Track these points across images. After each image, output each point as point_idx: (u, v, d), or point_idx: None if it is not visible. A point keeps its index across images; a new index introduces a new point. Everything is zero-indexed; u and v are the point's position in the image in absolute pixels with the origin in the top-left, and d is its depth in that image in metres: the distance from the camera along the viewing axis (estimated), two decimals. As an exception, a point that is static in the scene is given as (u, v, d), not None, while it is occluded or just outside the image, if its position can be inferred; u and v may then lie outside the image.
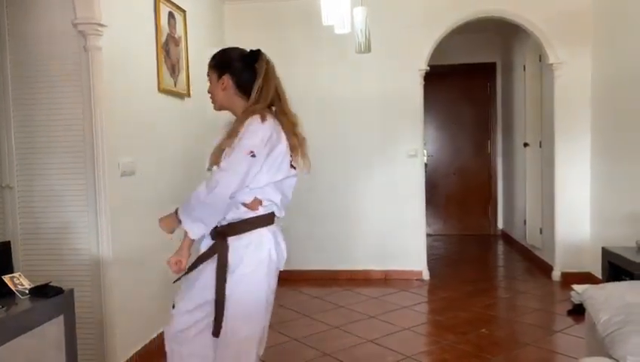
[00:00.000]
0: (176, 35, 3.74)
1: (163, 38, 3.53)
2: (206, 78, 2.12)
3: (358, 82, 4.88)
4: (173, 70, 3.69)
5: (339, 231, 4.98)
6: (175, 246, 2.06)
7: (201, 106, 4.29)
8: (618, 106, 4.12)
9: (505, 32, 6.37)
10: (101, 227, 2.81)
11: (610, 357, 1.69)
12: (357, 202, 4.97)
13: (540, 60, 5.12)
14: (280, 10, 4.94)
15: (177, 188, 3.78)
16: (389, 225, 4.96)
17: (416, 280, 4.88)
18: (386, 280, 4.92)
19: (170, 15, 3.65)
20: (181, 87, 3.81)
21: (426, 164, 6.01)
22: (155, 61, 3.44)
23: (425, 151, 5.22)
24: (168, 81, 3.60)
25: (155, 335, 3.34)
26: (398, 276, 4.93)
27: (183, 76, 3.84)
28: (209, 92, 2.11)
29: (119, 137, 2.99)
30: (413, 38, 4.80)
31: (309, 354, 3.26)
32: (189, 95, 3.93)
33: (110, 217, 2.84)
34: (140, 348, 3.17)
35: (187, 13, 3.91)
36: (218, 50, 2.14)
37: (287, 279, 4.93)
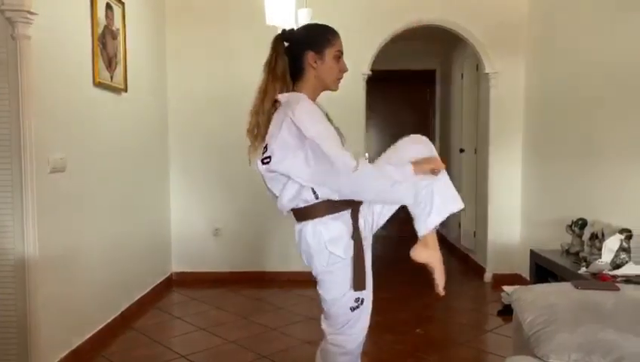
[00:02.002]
0: (113, 28, 3.61)
1: (99, 30, 3.39)
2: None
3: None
4: (110, 64, 3.56)
5: (279, 232, 4.96)
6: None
7: (139, 102, 4.17)
8: (548, 116, 4.33)
9: (445, 41, 6.57)
10: (27, 225, 2.66)
11: (535, 355, 1.76)
12: (298, 203, 4.96)
13: (477, 70, 5.31)
14: (224, 6, 4.86)
15: (112, 187, 3.65)
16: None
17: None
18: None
19: (108, 7, 3.51)
20: (118, 81, 3.68)
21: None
22: (91, 53, 3.31)
23: (367, 154, 5.28)
24: (104, 75, 3.47)
25: (86, 338, 3.21)
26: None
27: (120, 70, 3.71)
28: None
29: (49, 132, 2.85)
30: (356, 43, 4.85)
31: (246, 357, 3.22)
32: (125, 90, 3.80)
33: (37, 215, 2.69)
34: (68, 352, 3.03)
35: (126, 6, 3.78)
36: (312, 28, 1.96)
37: (226, 280, 4.88)
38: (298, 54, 1.85)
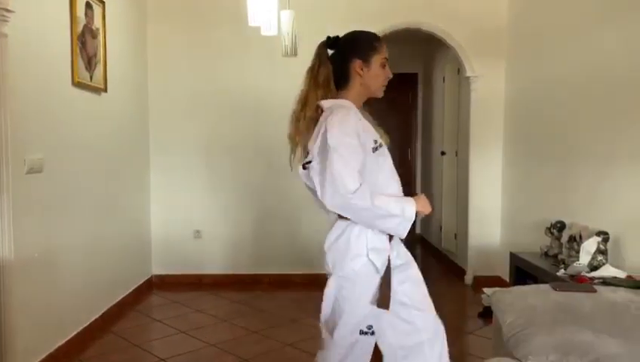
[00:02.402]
0: (93, 27, 3.56)
1: (79, 29, 3.35)
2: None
3: (285, 84, 4.81)
4: (90, 63, 3.51)
5: (261, 234, 4.94)
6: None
7: (120, 102, 4.12)
8: (527, 120, 4.39)
9: (427, 45, 6.61)
10: (2, 227, 2.60)
11: (514, 357, 1.78)
12: (280, 205, 4.95)
13: (459, 73, 5.35)
14: (206, 7, 4.83)
15: (91, 188, 3.60)
16: (313, 228, 4.97)
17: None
18: (308, 283, 4.92)
19: (88, 5, 3.47)
20: (97, 81, 3.63)
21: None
22: (70, 52, 3.26)
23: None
24: (83, 75, 3.42)
25: (63, 341, 3.15)
26: (320, 279, 4.94)
27: (100, 70, 3.66)
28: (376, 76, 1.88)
29: (26, 132, 2.80)
30: (339, 45, 4.86)
31: (226, 360, 3.19)
32: (105, 90, 3.75)
33: (12, 216, 2.64)
34: (44, 355, 2.97)
35: (106, 5, 3.74)
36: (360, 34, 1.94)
37: (207, 283, 4.84)
38: (344, 62, 1.85)
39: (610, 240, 2.94)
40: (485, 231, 4.92)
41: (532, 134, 4.28)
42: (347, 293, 1.81)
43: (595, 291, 2.20)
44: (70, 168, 3.29)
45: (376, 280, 1.77)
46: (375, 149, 1.77)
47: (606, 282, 2.62)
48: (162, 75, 4.83)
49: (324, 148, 1.70)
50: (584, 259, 2.95)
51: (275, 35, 3.41)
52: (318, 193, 1.75)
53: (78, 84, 3.35)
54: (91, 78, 3.53)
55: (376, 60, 1.86)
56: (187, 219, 4.92)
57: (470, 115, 4.92)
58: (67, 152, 3.26)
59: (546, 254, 3.54)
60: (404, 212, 1.72)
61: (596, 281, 2.66)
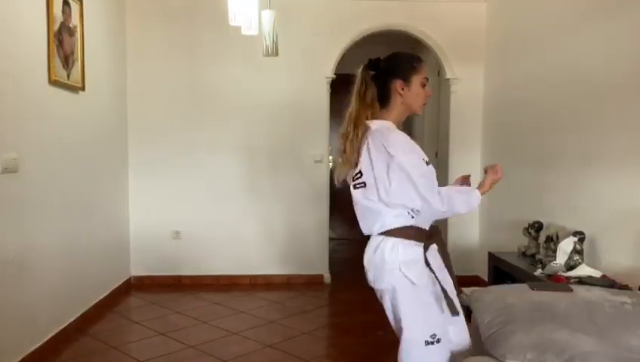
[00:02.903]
0: (70, 25, 3.51)
1: (56, 27, 3.29)
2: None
3: (265, 85, 4.86)
4: (67, 61, 3.45)
5: (241, 235, 4.91)
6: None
7: (97, 101, 4.06)
8: (506, 122, 4.44)
9: (408, 47, 6.64)
10: (-25, 228, 2.55)
11: (492, 355, 1.79)
12: (261, 206, 4.93)
13: (439, 75, 5.40)
14: (187, 5, 4.79)
15: (68, 188, 3.54)
16: (293, 228, 4.97)
17: (318, 284, 4.94)
18: (288, 284, 4.92)
19: (65, 3, 3.41)
20: (75, 79, 3.58)
21: (331, 170, 6.10)
22: (46, 50, 3.20)
23: (330, 157, 5.29)
24: (61, 73, 3.36)
25: (37, 345, 3.09)
26: (300, 280, 4.95)
27: (77, 68, 3.61)
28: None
29: (1, 131, 2.74)
30: (320, 46, 4.87)
31: (206, 362, 3.18)
32: (83, 88, 3.69)
33: (-14, 217, 2.59)
34: (18, 360, 2.91)
35: (84, 2, 3.68)
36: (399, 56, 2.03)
37: (186, 284, 4.80)
38: (385, 82, 1.94)
39: (586, 240, 3.00)
40: (464, 231, 4.97)
41: (510, 136, 4.33)
42: (397, 307, 1.89)
43: (571, 290, 2.23)
44: (46, 168, 3.24)
45: (419, 291, 1.85)
46: (428, 163, 1.88)
47: (582, 281, 2.67)
48: (141, 73, 4.78)
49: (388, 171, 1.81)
50: (561, 258, 3.00)
51: (255, 35, 3.40)
52: (423, 207, 1.82)
53: (54, 83, 3.29)
54: (68, 76, 3.48)
55: (417, 80, 1.95)
56: (166, 219, 4.87)
57: (450, 117, 4.97)
58: (43, 152, 3.20)
59: (523, 254, 3.58)
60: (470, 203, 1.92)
61: (572, 281, 2.71)
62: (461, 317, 1.95)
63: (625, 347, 1.68)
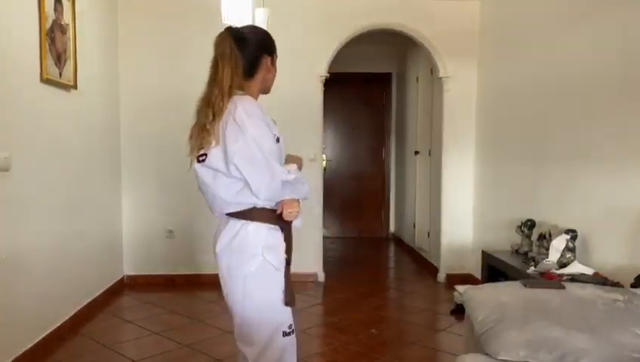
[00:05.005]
0: (63, 23, 3.48)
1: (48, 25, 3.27)
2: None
3: (258, 84, 4.84)
4: (59, 59, 3.43)
5: (235, 234, 4.90)
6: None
7: (90, 99, 4.04)
8: (498, 120, 4.46)
9: (401, 45, 6.67)
10: (-33, 228, 2.53)
11: (485, 353, 1.80)
12: (254, 205, 4.92)
13: (432, 73, 5.41)
14: (179, 3, 4.77)
15: (60, 187, 3.52)
16: (286, 228, 4.96)
17: (311, 281, 4.94)
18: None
19: (57, 0, 3.39)
20: (67, 77, 3.55)
21: (324, 168, 6.12)
22: (38, 48, 3.18)
23: (324, 156, 5.29)
24: (53, 71, 3.34)
25: (30, 345, 3.08)
26: (293, 278, 4.93)
27: (69, 66, 3.58)
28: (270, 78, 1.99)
29: (-8, 129, 2.72)
30: (314, 45, 4.87)
31: (200, 361, 3.17)
32: (75, 87, 3.67)
33: (-22, 217, 2.57)
34: (11, 359, 2.89)
35: (76, 0, 3.65)
36: (258, 32, 1.99)
37: (179, 283, 4.79)
38: (256, 55, 1.97)
39: (579, 238, 3.02)
40: (458, 229, 4.99)
41: (503, 134, 4.36)
42: (254, 295, 1.86)
43: (563, 288, 2.24)
44: (38, 167, 3.22)
45: (278, 278, 1.88)
46: (278, 140, 1.87)
47: (574, 279, 2.68)
48: (134, 71, 4.75)
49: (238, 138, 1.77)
50: (553, 256, 3.02)
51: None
52: (253, 183, 1.77)
53: (46, 81, 3.27)
54: (61, 74, 3.45)
55: (275, 61, 1.99)
56: (159, 218, 4.86)
57: (443, 115, 4.98)
58: (35, 150, 3.18)
59: (516, 252, 3.60)
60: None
61: (565, 278, 2.72)
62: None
63: (617, 344, 1.70)
